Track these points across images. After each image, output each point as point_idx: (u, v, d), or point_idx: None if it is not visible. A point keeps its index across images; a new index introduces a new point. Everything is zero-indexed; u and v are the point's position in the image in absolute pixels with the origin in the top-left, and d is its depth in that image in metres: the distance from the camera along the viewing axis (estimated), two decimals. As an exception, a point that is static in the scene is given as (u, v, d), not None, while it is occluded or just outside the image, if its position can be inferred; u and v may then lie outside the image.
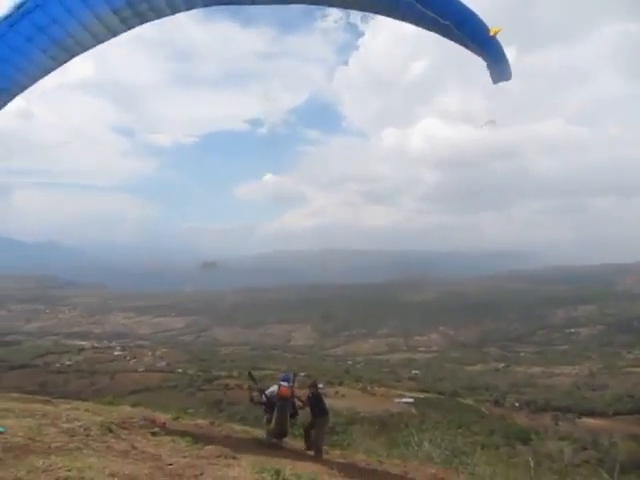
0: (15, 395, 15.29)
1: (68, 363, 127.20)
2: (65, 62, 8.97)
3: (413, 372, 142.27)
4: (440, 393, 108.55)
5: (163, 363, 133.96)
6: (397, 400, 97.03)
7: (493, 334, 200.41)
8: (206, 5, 9.69)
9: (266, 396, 12.43)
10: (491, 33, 9.75)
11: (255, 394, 12.84)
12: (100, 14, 8.31)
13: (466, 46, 10.23)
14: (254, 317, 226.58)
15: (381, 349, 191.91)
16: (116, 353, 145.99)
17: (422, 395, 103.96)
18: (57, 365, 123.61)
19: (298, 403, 12.51)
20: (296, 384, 12.85)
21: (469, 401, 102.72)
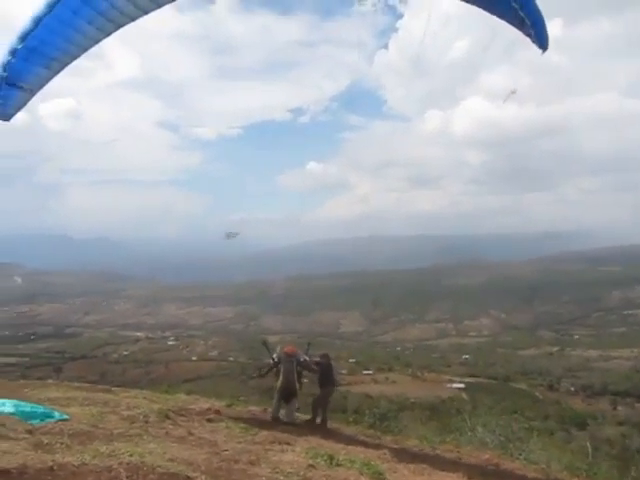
0: (77, 384, 15.95)
1: (125, 353, 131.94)
2: (112, 32, 9.30)
3: (463, 357, 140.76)
4: (492, 378, 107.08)
5: (215, 352, 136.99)
6: (448, 385, 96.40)
7: (546, 317, 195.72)
8: None
9: (274, 359, 12.65)
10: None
11: (265, 367, 13.12)
12: None
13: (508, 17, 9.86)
14: (302, 305, 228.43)
15: (430, 334, 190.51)
16: (170, 343, 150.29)
17: (473, 380, 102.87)
18: (115, 355, 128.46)
19: (310, 364, 12.68)
20: (309, 353, 13.10)
21: (522, 386, 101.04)
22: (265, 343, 13.58)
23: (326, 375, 12.79)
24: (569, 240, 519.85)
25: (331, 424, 13.31)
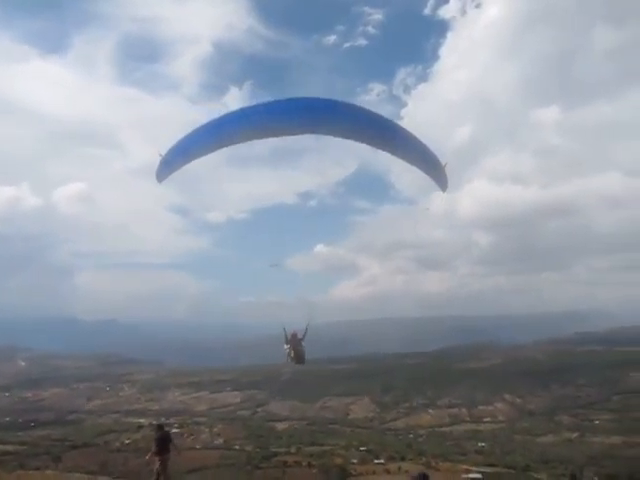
0: (77, 475, 15.26)
1: (127, 442, 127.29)
2: (214, 150, 16.95)
3: (479, 445, 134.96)
4: (510, 467, 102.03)
5: (220, 440, 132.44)
6: (464, 475, 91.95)
7: (563, 401, 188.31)
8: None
9: (287, 340, 19.86)
10: (444, 165, 18.05)
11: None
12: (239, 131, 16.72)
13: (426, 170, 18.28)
14: (311, 390, 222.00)
15: (443, 420, 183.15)
16: (173, 431, 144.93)
17: (490, 470, 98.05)
18: (117, 444, 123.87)
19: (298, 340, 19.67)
20: (305, 334, 19.84)
21: (543, 476, 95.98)
22: (285, 330, 19.68)
23: (162, 444, 15.59)
24: (583, 320, 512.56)
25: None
